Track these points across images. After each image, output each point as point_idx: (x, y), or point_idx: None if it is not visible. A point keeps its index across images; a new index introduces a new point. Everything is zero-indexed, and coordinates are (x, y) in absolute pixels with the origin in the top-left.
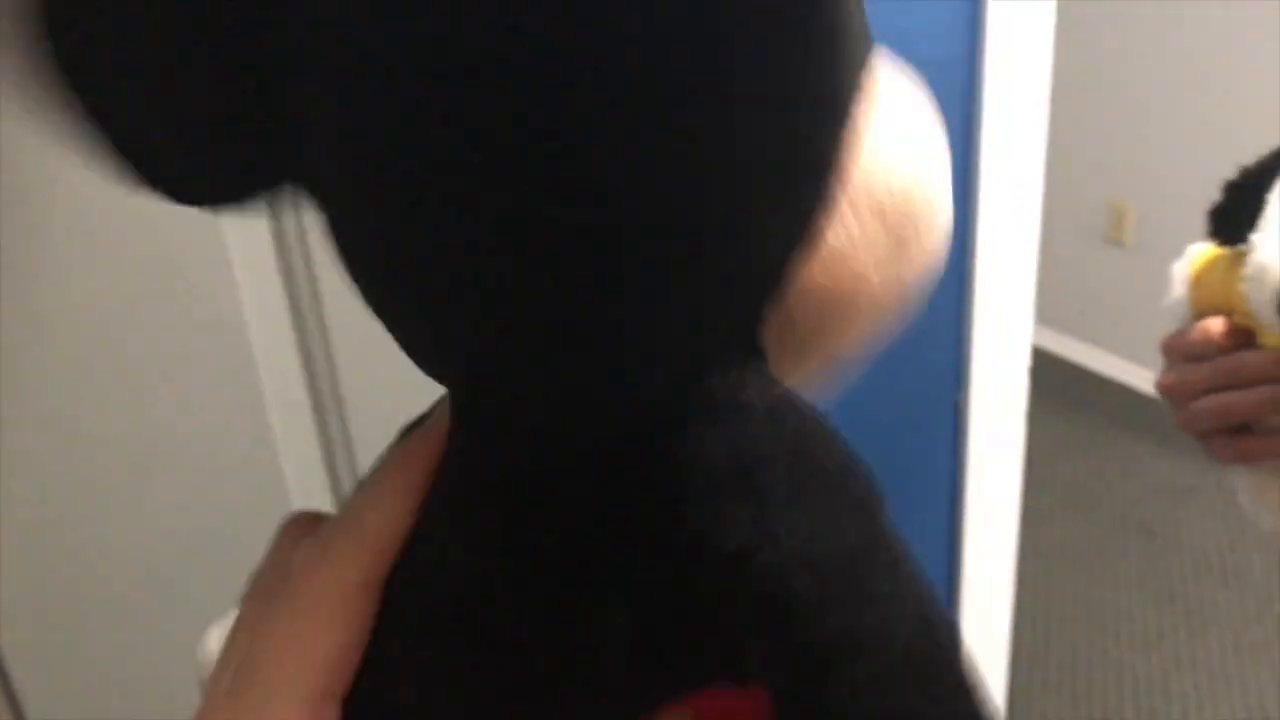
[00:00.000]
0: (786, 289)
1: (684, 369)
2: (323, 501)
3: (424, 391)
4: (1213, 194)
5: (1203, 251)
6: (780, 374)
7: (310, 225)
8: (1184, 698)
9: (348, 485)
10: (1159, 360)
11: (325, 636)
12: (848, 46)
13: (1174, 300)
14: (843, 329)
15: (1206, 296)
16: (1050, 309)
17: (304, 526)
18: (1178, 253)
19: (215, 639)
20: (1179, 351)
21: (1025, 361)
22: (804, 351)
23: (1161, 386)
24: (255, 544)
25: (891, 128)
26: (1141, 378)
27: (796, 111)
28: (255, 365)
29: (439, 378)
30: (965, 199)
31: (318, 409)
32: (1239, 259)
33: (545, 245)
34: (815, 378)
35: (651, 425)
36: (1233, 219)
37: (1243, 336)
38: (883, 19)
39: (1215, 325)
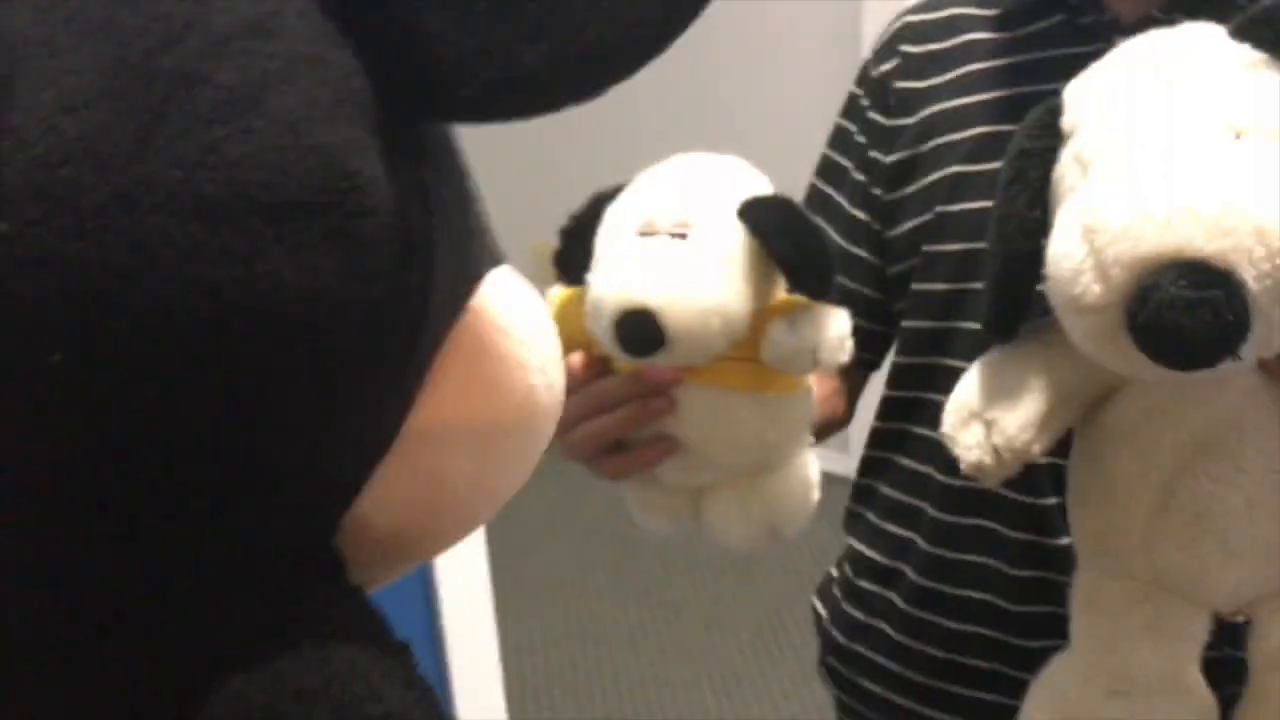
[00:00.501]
0: (356, 507)
1: (254, 584)
2: None
3: None
4: None
5: (559, 293)
6: (366, 574)
7: None
8: (670, 683)
9: None
10: None
11: None
12: (413, 302)
13: None
14: (431, 532)
15: (566, 334)
16: None
17: None
18: None
19: None
20: None
21: None
22: (391, 555)
23: None
24: None
25: (487, 342)
26: None
27: (363, 360)
28: None
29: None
30: None
31: None
32: (584, 297)
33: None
34: (406, 566)
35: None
36: (571, 261)
37: (600, 366)
38: None
39: (576, 359)
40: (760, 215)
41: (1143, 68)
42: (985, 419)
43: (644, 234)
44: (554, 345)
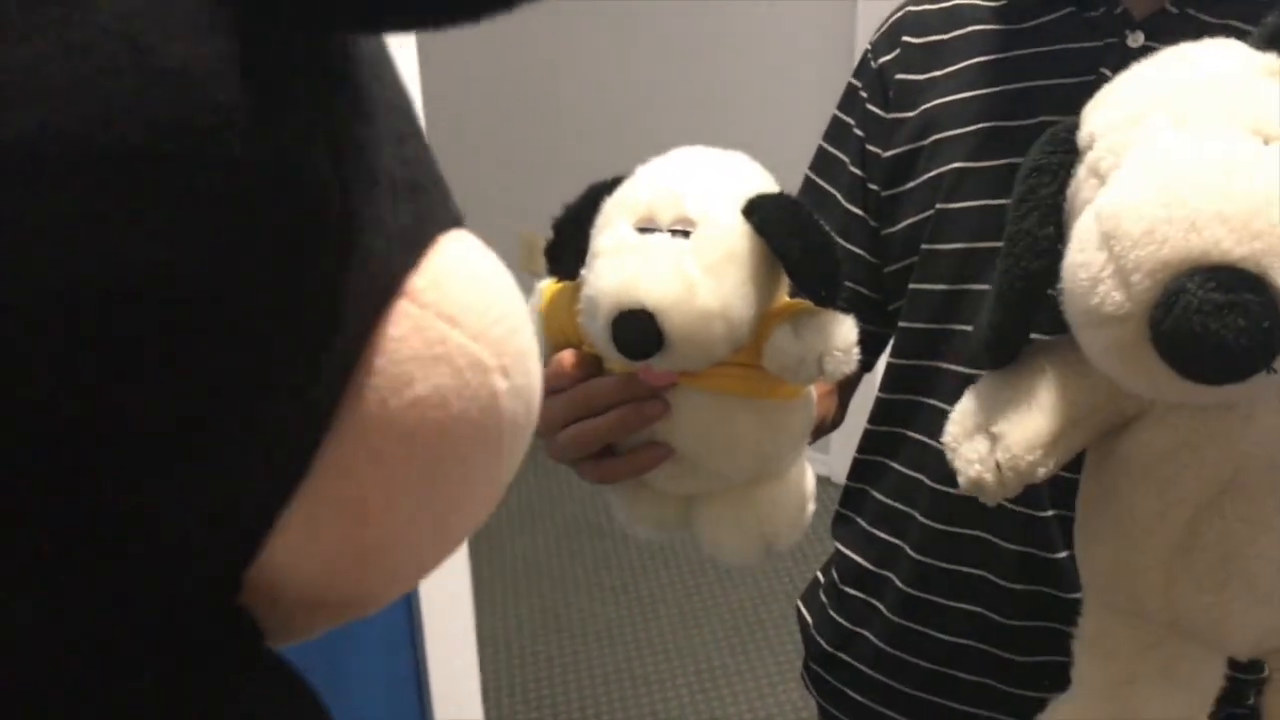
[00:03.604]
0: (263, 557)
1: (132, 662)
2: None
3: None
4: None
5: (549, 286)
6: (286, 636)
7: None
8: (646, 678)
9: None
10: None
11: None
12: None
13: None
14: (363, 586)
15: (556, 330)
16: None
17: None
18: None
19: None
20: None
21: None
22: (315, 615)
23: None
24: None
25: (431, 336)
26: None
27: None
28: None
29: None
30: None
31: None
32: (578, 292)
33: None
34: (336, 623)
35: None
36: (564, 255)
37: (592, 365)
38: None
39: (566, 357)
40: (766, 214)
41: (1163, 80)
42: (991, 433)
43: (643, 229)
44: (525, 336)
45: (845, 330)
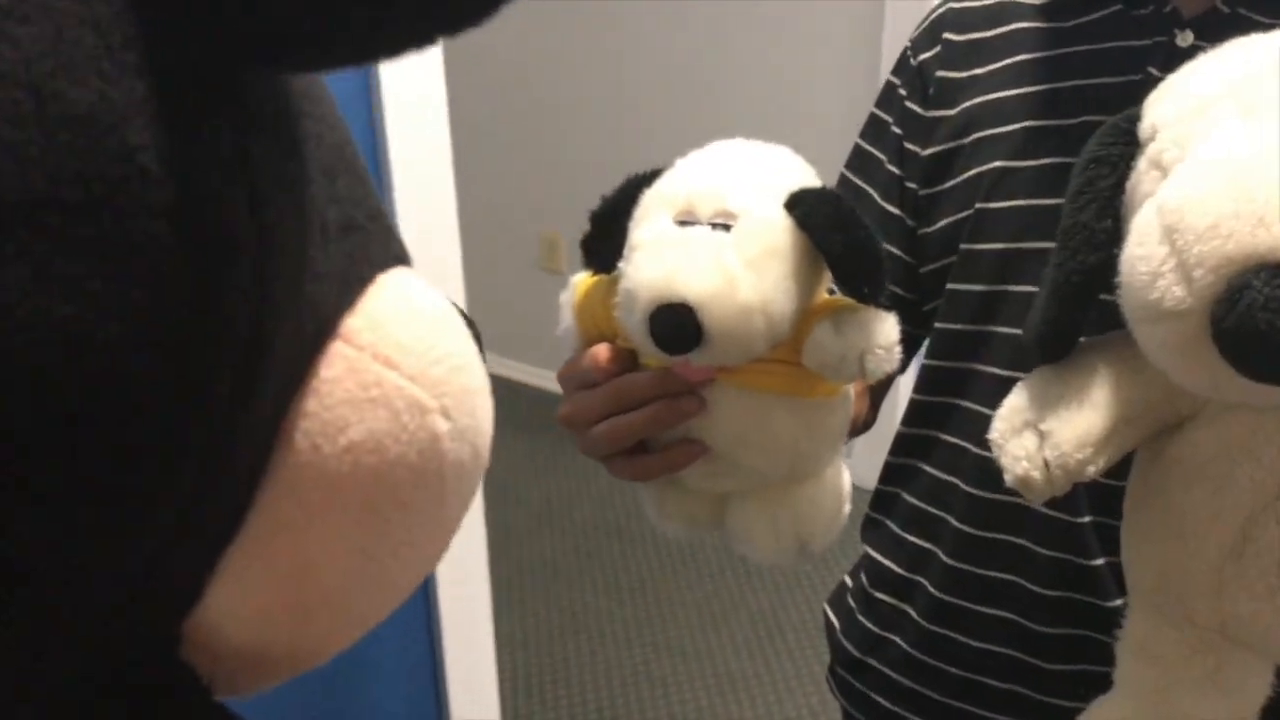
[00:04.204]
0: (200, 613)
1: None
2: None
3: None
4: None
5: (583, 280)
6: (234, 688)
7: None
8: (664, 680)
9: None
10: None
11: None
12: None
13: (565, 329)
14: (306, 639)
15: (590, 323)
16: (501, 338)
17: None
18: None
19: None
20: (572, 380)
21: None
22: (261, 667)
23: (560, 418)
24: None
25: (367, 379)
26: None
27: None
28: None
29: None
30: None
31: None
32: (613, 285)
33: None
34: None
35: None
36: (601, 248)
37: (626, 359)
38: None
39: (601, 351)
40: (809, 208)
41: (1230, 70)
42: (1040, 429)
43: (683, 223)
44: (470, 375)
45: (887, 328)
